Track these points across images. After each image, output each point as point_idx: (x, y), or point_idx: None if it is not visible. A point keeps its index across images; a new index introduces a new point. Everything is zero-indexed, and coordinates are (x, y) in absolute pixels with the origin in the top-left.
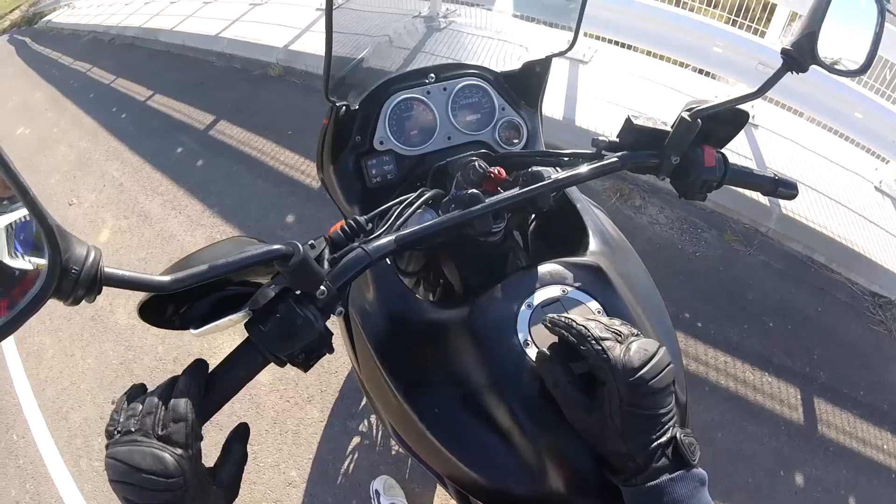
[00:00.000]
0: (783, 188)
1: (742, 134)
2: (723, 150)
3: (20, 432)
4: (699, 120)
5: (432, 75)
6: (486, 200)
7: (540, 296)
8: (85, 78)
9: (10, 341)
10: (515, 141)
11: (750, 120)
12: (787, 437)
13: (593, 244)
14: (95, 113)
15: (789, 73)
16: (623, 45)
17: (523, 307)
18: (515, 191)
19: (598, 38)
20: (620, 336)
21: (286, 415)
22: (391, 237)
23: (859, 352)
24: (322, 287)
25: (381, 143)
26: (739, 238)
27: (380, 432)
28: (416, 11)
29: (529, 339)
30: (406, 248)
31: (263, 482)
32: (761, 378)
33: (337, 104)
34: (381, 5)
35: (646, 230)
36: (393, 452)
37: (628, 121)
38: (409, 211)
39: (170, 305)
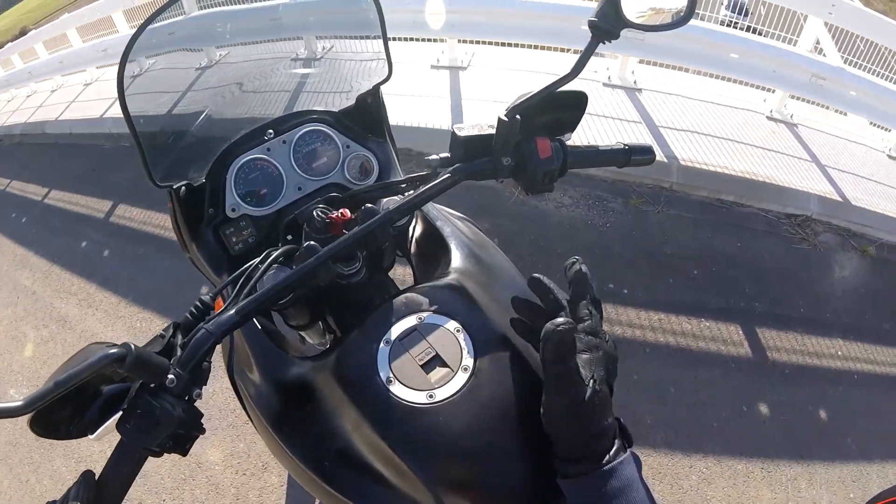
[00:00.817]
0: (637, 155)
1: (627, 101)
2: (561, 137)
3: None
4: (518, 116)
5: (270, 131)
6: (322, 249)
7: (397, 329)
8: None
9: None
10: (370, 175)
11: (632, 85)
12: (740, 374)
13: (455, 259)
14: None
15: (602, 43)
16: (501, 44)
17: (381, 345)
18: (355, 231)
19: (473, 42)
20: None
21: (246, 488)
22: (232, 311)
23: (789, 273)
24: (170, 376)
25: (234, 210)
26: (645, 199)
27: None
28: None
29: (392, 375)
30: (251, 317)
31: None
32: (699, 325)
33: (174, 187)
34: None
35: (553, 215)
36: None
37: (453, 134)
38: (255, 278)
39: (62, 416)
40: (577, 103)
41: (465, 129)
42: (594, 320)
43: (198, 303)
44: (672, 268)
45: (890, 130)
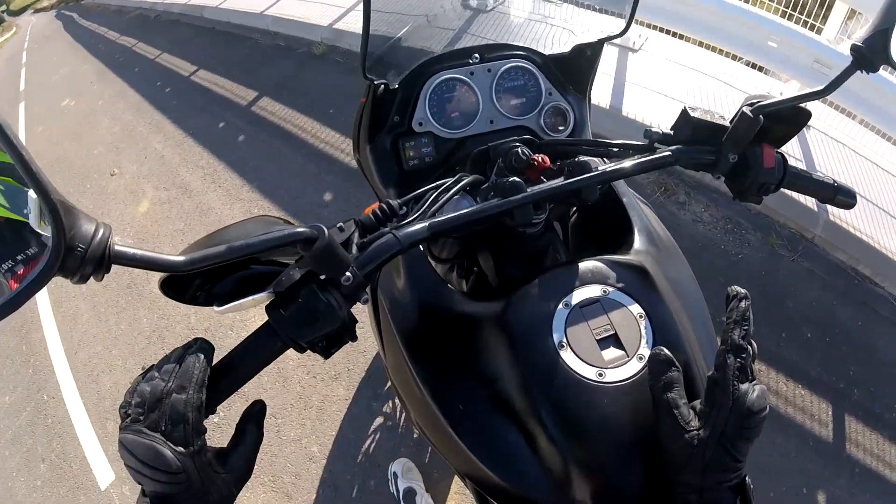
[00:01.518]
0: (842, 196)
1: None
2: (781, 151)
3: (51, 392)
4: (761, 116)
5: (476, 56)
6: (528, 190)
7: (579, 295)
8: (130, 53)
9: (46, 304)
10: (561, 128)
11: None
12: (814, 454)
13: (638, 243)
14: (140, 87)
15: (858, 72)
16: (674, 34)
17: (560, 306)
18: (560, 181)
19: (648, 25)
20: (749, 374)
21: (312, 390)
22: (424, 224)
23: None
24: (347, 273)
25: (421, 124)
26: (784, 242)
27: (402, 415)
28: None
29: (565, 341)
30: (440, 236)
31: (284, 455)
32: (794, 390)
33: (375, 82)
34: None
35: (689, 227)
36: (414, 436)
37: (684, 113)
38: (446, 197)
39: (194, 281)
40: (797, 120)
41: (698, 112)
42: (729, 370)
43: (384, 205)
44: (788, 321)
45: None
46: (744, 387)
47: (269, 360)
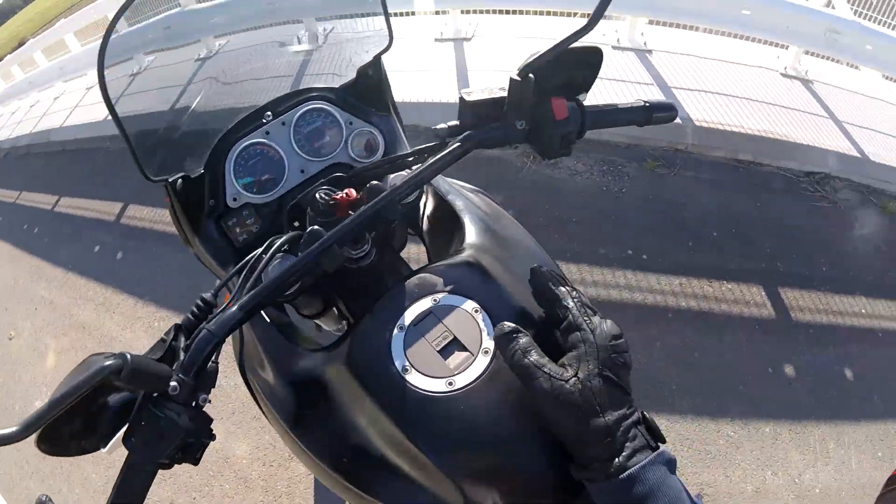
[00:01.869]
0: (658, 112)
1: (638, 63)
2: (578, 97)
3: None
4: (531, 75)
5: (269, 113)
6: (326, 234)
7: (410, 314)
8: None
9: None
10: (372, 152)
11: (643, 47)
12: (763, 335)
13: (469, 235)
14: (7, 236)
15: None
16: (505, 12)
17: (395, 331)
18: (359, 212)
19: (477, 11)
20: (592, 308)
21: (274, 479)
22: (235, 307)
23: (810, 231)
24: (172, 383)
25: (235, 199)
26: (661, 162)
27: None
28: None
29: (407, 364)
30: (257, 311)
31: None
32: (721, 288)
33: (169, 180)
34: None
35: (568, 183)
36: None
37: (461, 100)
38: (260, 268)
39: (71, 431)
40: (592, 61)
41: (475, 94)
42: (573, 316)
43: (199, 301)
44: (691, 231)
45: None
46: (595, 319)
47: (147, 485)
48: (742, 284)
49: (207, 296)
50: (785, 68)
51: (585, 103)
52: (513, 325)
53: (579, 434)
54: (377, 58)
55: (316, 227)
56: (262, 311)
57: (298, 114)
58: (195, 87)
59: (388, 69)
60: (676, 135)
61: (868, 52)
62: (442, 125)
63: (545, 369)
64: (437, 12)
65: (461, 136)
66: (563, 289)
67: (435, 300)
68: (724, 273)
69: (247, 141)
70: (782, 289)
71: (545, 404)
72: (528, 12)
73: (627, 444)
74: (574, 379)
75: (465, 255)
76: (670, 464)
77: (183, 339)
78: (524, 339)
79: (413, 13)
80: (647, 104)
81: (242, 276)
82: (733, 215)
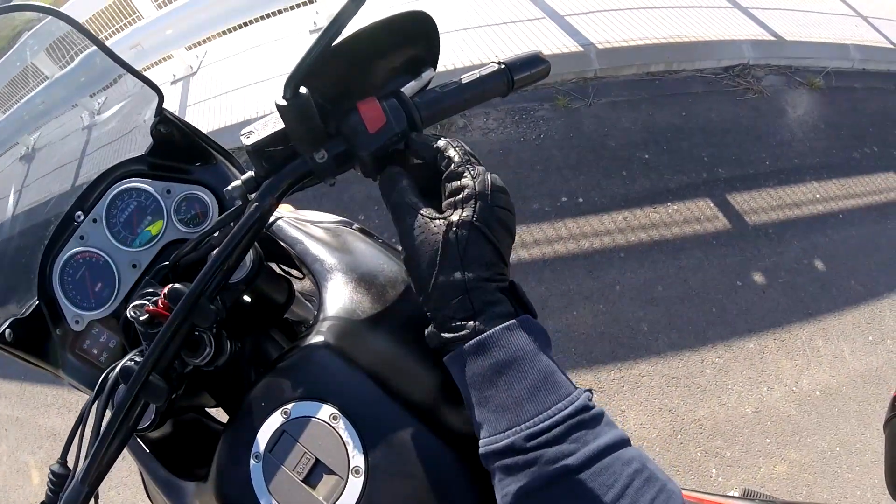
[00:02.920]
0: (521, 72)
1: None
2: (422, 75)
3: None
4: (303, 90)
5: (79, 213)
6: (137, 367)
7: (263, 436)
8: None
9: None
10: (204, 216)
11: None
12: (724, 248)
13: (324, 298)
14: None
15: None
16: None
17: (252, 462)
18: (155, 341)
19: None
20: (479, 162)
21: None
22: (78, 480)
23: (743, 128)
24: None
25: (77, 321)
26: (572, 96)
27: None
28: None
29: (275, 502)
30: (103, 478)
31: None
32: (667, 211)
33: None
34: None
35: (484, 144)
36: None
37: (246, 148)
38: (101, 411)
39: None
40: (422, 26)
41: (255, 133)
42: (455, 164)
43: (50, 475)
44: (621, 159)
45: None
46: (479, 167)
47: None
48: (688, 202)
49: (55, 467)
50: None
51: (433, 83)
52: (395, 168)
53: (434, 284)
54: (160, 111)
55: (128, 362)
56: (137, 438)
57: (107, 203)
58: None
59: (266, 77)
60: (581, 63)
61: None
62: (235, 183)
63: (419, 209)
64: (302, 3)
65: (261, 189)
66: (442, 141)
67: (286, 413)
68: (666, 195)
69: (64, 255)
70: (730, 195)
71: (407, 244)
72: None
73: (489, 307)
74: (441, 221)
75: (316, 338)
76: (539, 335)
77: None
78: (405, 181)
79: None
80: (504, 65)
81: (78, 435)
82: (660, 131)
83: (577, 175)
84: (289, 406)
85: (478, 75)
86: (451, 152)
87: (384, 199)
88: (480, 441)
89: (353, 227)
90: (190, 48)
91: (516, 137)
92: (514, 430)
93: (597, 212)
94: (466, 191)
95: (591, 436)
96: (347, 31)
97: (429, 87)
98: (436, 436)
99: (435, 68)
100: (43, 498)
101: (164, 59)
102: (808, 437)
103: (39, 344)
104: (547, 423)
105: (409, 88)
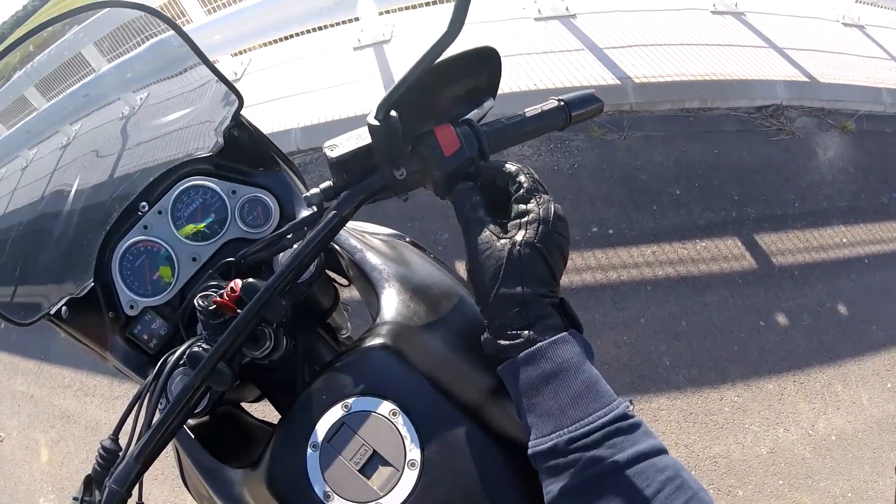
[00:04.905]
0: (579, 109)
1: (564, 31)
2: (476, 111)
3: None
4: (393, 113)
5: (144, 204)
6: (207, 353)
7: (322, 427)
8: None
9: None
10: (267, 218)
11: (566, 12)
12: (749, 288)
13: (384, 304)
14: None
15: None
16: (421, 4)
17: (309, 450)
18: (229, 329)
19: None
20: (546, 190)
21: None
22: (132, 457)
23: (774, 168)
24: None
25: (132, 307)
26: (608, 128)
27: None
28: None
29: (328, 489)
30: (154, 458)
31: None
32: (695, 248)
33: (51, 312)
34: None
35: None
36: None
37: (329, 159)
38: (153, 400)
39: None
40: (488, 60)
41: (339, 147)
42: (525, 190)
43: (101, 450)
44: (652, 193)
45: None
46: (545, 196)
47: None
48: (716, 239)
49: (107, 442)
50: (714, 5)
51: (492, 112)
52: (470, 183)
53: (495, 295)
54: (237, 116)
55: (197, 349)
56: (185, 427)
57: (173, 197)
58: (39, 204)
59: (308, 90)
60: (618, 96)
61: None
62: (314, 190)
63: (487, 225)
64: (350, 20)
65: (340, 198)
66: (513, 166)
67: (346, 407)
68: (695, 231)
69: (126, 242)
70: (758, 235)
71: (473, 256)
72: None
73: (541, 320)
74: (507, 240)
75: (377, 340)
76: (585, 347)
77: (97, 493)
78: (477, 198)
79: (323, 28)
80: (563, 102)
81: (134, 415)
82: (692, 168)
83: (609, 206)
84: (349, 400)
85: (539, 110)
86: (522, 178)
87: (456, 212)
88: (529, 443)
89: (407, 240)
90: (235, 55)
91: (551, 166)
92: (557, 433)
93: (626, 244)
94: (532, 215)
95: (628, 443)
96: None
97: (494, 118)
98: (488, 437)
99: (494, 98)
100: (90, 472)
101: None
102: (820, 482)
103: (91, 325)
104: (587, 428)
105: (473, 115)
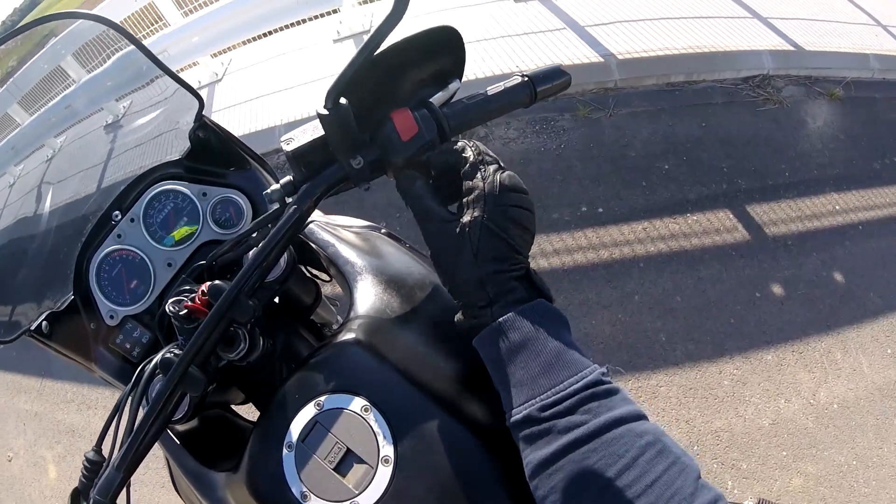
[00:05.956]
0: (544, 84)
1: (543, 10)
2: (448, 86)
3: None
4: (343, 101)
5: (117, 213)
6: (178, 358)
7: (296, 427)
8: None
9: None
10: (239, 218)
11: None
12: (742, 260)
13: (356, 299)
14: None
15: None
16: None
17: (284, 451)
18: (196, 335)
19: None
20: (495, 160)
21: None
22: (113, 468)
23: (763, 139)
24: None
25: (112, 316)
26: (593, 106)
27: None
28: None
29: (305, 489)
30: (136, 465)
31: None
32: (686, 222)
33: (32, 328)
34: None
35: (504, 154)
36: None
37: (286, 153)
38: (131, 410)
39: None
40: (448, 41)
41: (295, 139)
42: (469, 165)
43: (85, 462)
44: (641, 170)
45: None
46: (490, 168)
47: None
48: (707, 212)
49: (91, 454)
50: None
51: (460, 93)
52: (411, 172)
53: (455, 278)
54: (200, 117)
55: (169, 354)
56: (168, 431)
57: (144, 203)
58: (16, 222)
59: (292, 85)
60: (602, 74)
61: None
62: (274, 186)
63: (433, 212)
64: (328, 13)
65: (299, 194)
66: (461, 142)
67: (319, 405)
68: (686, 206)
69: (101, 252)
70: (749, 206)
71: (431, 245)
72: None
73: (503, 295)
74: (455, 222)
75: (348, 335)
76: (552, 316)
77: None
78: (420, 186)
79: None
80: (527, 78)
81: (114, 424)
82: (680, 142)
83: (597, 185)
84: (322, 398)
85: (502, 87)
86: (467, 153)
87: (407, 205)
88: (507, 415)
89: (382, 231)
90: (215, 55)
91: (537, 147)
92: (529, 402)
93: (616, 222)
94: (476, 192)
95: (604, 408)
96: (382, 45)
97: (455, 99)
98: (462, 427)
99: (461, 80)
100: (76, 484)
101: (189, 65)
102: (824, 451)
103: (74, 337)
104: (558, 395)
105: (437, 99)
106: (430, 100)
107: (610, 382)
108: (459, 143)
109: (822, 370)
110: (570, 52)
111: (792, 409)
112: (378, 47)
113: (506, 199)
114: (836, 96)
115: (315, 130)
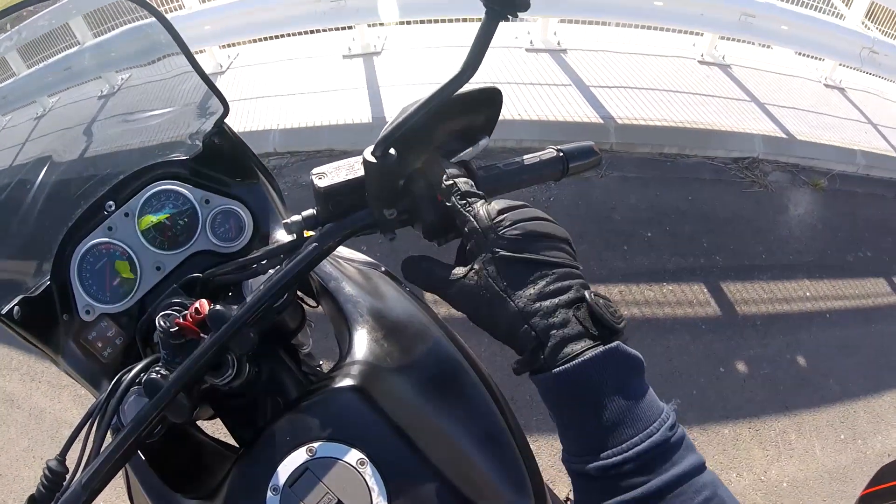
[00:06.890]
0: (576, 161)
1: (553, 64)
2: (478, 143)
3: None
4: (392, 151)
5: (110, 203)
6: (168, 381)
7: (284, 470)
8: None
9: None
10: (239, 232)
11: (557, 46)
12: (711, 334)
13: (356, 342)
14: None
15: (504, 20)
16: (414, 22)
17: (269, 494)
18: (190, 358)
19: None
20: (481, 196)
21: None
22: (80, 485)
23: (744, 219)
24: None
25: (88, 312)
26: None
27: None
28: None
29: None
30: (103, 487)
31: None
32: (662, 291)
33: (2, 313)
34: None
35: None
36: None
37: (317, 188)
38: (109, 415)
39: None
40: (489, 101)
41: (329, 176)
42: (457, 210)
43: (46, 470)
44: (624, 234)
45: (823, 60)
46: (477, 204)
47: None
48: (683, 284)
49: (53, 463)
50: (702, 55)
51: (482, 157)
52: (409, 259)
53: (498, 329)
54: (219, 124)
55: (155, 374)
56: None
57: (142, 200)
58: (11, 181)
59: (295, 92)
60: (599, 135)
61: (784, 33)
62: (295, 217)
63: (450, 277)
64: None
65: (320, 232)
66: (448, 181)
67: (311, 451)
68: (663, 275)
69: (88, 243)
70: (724, 283)
71: (464, 309)
72: (438, 21)
73: (553, 331)
74: (471, 272)
75: (347, 381)
76: (618, 361)
77: None
78: (425, 265)
79: (317, 31)
80: (562, 153)
81: (84, 436)
82: (665, 212)
83: (580, 243)
84: (315, 444)
85: (538, 159)
86: (452, 199)
87: (419, 286)
88: (562, 450)
89: (382, 269)
90: (223, 47)
91: (526, 198)
92: (588, 456)
93: (594, 281)
94: (475, 234)
95: (668, 465)
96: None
97: (492, 163)
98: (455, 496)
99: (490, 136)
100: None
101: (196, 52)
102: None
103: (44, 326)
104: (619, 458)
105: (467, 154)
106: (461, 155)
107: (676, 430)
108: (447, 183)
109: (776, 449)
110: (573, 109)
111: (743, 484)
112: (441, 104)
113: (504, 221)
114: (820, 187)
115: (351, 171)
